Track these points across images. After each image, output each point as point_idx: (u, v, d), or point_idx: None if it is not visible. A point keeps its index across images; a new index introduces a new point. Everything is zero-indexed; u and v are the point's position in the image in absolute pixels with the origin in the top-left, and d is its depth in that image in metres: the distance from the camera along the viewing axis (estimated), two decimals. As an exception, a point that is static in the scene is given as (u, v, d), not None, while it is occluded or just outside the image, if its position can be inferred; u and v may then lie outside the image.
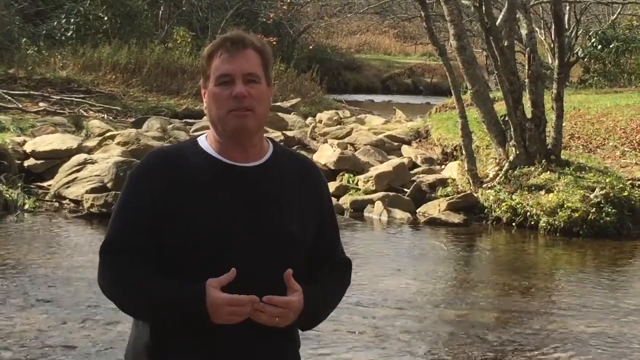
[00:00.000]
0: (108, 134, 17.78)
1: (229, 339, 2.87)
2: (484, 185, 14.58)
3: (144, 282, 2.86)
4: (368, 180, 15.36)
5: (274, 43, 30.67)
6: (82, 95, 23.86)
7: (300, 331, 3.10)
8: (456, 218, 13.93)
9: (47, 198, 14.30)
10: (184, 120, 22.43)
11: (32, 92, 23.38)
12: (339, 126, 21.18)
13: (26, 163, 15.56)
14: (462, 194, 14.56)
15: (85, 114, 21.67)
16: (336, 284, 3.14)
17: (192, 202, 2.88)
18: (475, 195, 14.46)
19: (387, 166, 15.85)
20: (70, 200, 14.03)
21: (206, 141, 3.01)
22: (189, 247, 2.85)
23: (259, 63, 2.96)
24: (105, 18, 29.46)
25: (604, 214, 13.16)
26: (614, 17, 32.40)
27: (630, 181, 14.25)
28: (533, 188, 13.96)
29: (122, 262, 2.89)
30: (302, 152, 16.95)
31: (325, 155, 16.65)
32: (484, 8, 14.92)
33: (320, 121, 22.46)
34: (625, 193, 13.53)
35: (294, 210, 2.98)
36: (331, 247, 3.15)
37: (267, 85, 2.99)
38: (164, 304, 2.83)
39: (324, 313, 3.08)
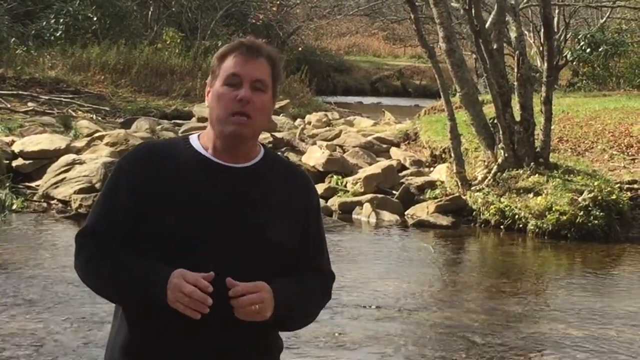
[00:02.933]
0: (97, 134, 17.77)
1: (205, 340, 2.86)
2: (473, 188, 14.58)
3: (116, 257, 2.86)
4: (356, 182, 15.37)
5: (264, 44, 30.58)
6: (70, 96, 23.84)
7: (284, 333, 3.09)
8: (444, 220, 13.94)
9: (35, 198, 14.27)
10: (172, 121, 22.43)
11: (20, 92, 23.34)
12: (327, 128, 21.19)
13: (14, 163, 15.52)
14: (451, 196, 14.57)
15: (74, 114, 21.64)
16: (315, 286, 3.08)
17: (177, 197, 2.88)
18: (463, 197, 14.47)
19: (376, 168, 15.86)
20: (59, 200, 14.01)
21: (198, 140, 3.01)
22: (168, 242, 2.84)
23: (270, 74, 2.97)
24: (95, 18, 29.43)
25: (592, 217, 13.18)
26: (603, 20, 32.46)
27: (618, 184, 14.27)
28: (521, 191, 13.98)
29: (99, 244, 2.90)
30: (291, 154, 17.08)
31: (313, 157, 16.65)
32: (473, 11, 14.94)
33: (309, 123, 22.47)
34: (614, 196, 13.55)
35: (278, 215, 2.96)
36: (316, 257, 3.11)
37: (272, 97, 3.00)
38: (130, 275, 2.83)
39: (300, 307, 3.02)
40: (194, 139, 3.02)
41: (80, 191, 13.75)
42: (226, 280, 2.78)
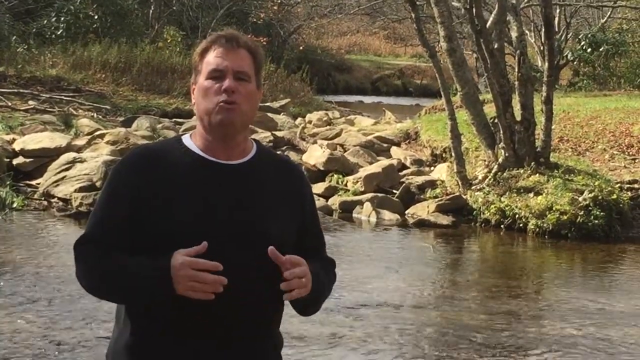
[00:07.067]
0: (97, 132, 17.75)
1: (209, 339, 2.87)
2: (473, 187, 14.59)
3: (114, 259, 2.86)
4: (357, 181, 15.37)
5: (265, 43, 30.63)
6: (71, 94, 23.84)
7: (285, 334, 3.10)
8: (445, 220, 13.94)
9: (35, 196, 14.27)
10: (173, 119, 22.40)
11: (21, 90, 23.33)
12: (328, 127, 21.18)
13: (15, 161, 15.53)
14: (451, 195, 14.58)
15: (75, 113, 21.65)
16: (326, 272, 3.14)
17: (172, 198, 2.89)
18: (464, 197, 14.48)
19: (376, 167, 15.86)
20: (59, 198, 14.00)
21: (190, 139, 3.02)
22: (167, 244, 2.84)
23: (251, 64, 2.99)
24: (96, 17, 29.40)
25: (592, 217, 13.19)
26: (604, 20, 32.42)
27: (618, 184, 14.28)
28: (522, 190, 13.98)
29: (96, 250, 2.90)
30: (291, 153, 17.06)
31: (314, 155, 16.65)
32: (474, 10, 14.94)
33: (310, 122, 22.46)
34: (614, 196, 13.55)
35: (274, 211, 2.99)
36: (316, 247, 3.16)
37: (257, 88, 3.02)
38: (131, 273, 2.83)
39: (323, 290, 3.09)
40: (186, 139, 3.03)
41: (80, 189, 13.75)
42: (269, 250, 2.84)
